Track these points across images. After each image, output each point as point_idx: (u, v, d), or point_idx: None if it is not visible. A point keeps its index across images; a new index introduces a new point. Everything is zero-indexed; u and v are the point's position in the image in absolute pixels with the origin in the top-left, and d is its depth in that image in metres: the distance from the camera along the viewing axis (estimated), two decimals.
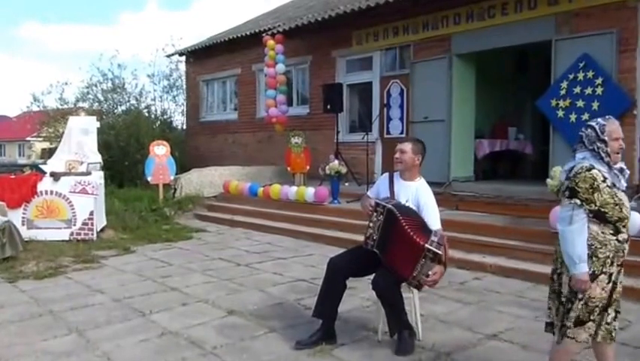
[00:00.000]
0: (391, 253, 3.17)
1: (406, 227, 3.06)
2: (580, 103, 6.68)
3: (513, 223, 5.96)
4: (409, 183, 3.37)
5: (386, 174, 3.52)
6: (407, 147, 3.36)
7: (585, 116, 6.61)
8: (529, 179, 8.35)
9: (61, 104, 13.56)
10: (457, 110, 8.22)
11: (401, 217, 3.08)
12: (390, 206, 3.15)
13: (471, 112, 8.45)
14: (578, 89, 6.69)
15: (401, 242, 3.09)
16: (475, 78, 8.44)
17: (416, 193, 3.32)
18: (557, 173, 5.35)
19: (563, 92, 6.85)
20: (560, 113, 6.89)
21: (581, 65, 6.66)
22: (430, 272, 3.07)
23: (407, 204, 3.27)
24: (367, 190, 3.79)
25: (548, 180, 5.43)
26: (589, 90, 6.59)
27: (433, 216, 3.26)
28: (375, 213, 3.20)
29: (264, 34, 10.40)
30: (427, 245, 3.01)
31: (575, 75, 6.72)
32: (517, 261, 5.19)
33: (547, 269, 4.81)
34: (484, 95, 8.72)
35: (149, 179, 9.38)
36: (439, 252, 3.03)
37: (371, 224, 3.22)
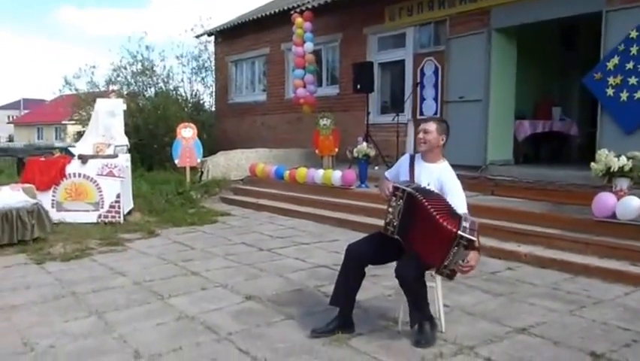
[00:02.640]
0: (416, 240, 2.98)
1: (432, 211, 2.86)
2: (633, 80, 6.15)
3: (553, 210, 5.61)
4: (432, 165, 3.19)
5: (407, 155, 3.35)
6: (431, 126, 3.17)
7: (638, 95, 6.11)
8: (574, 163, 7.85)
9: (91, 88, 13.81)
10: (496, 89, 7.79)
11: (425, 201, 2.89)
12: (410, 190, 2.95)
13: (511, 91, 7.99)
14: (630, 65, 6.16)
15: (427, 228, 2.90)
16: (517, 55, 7.95)
17: (439, 176, 3.13)
18: (603, 156, 4.95)
19: (613, 68, 6.33)
20: (610, 91, 6.38)
21: (636, 37, 6.11)
22: (463, 259, 2.87)
23: (429, 188, 3.07)
24: (386, 171, 3.58)
25: (593, 164, 5.04)
26: None
27: (458, 200, 3.05)
28: (394, 198, 3.01)
29: (292, 12, 10.15)
30: (459, 232, 2.79)
31: (628, 49, 6.18)
32: (555, 250, 4.86)
33: (587, 260, 4.57)
34: (526, 72, 8.23)
35: (176, 162, 9.43)
36: (473, 238, 2.81)
37: (390, 209, 3.03)
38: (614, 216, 4.78)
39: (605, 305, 3.74)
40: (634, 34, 6.14)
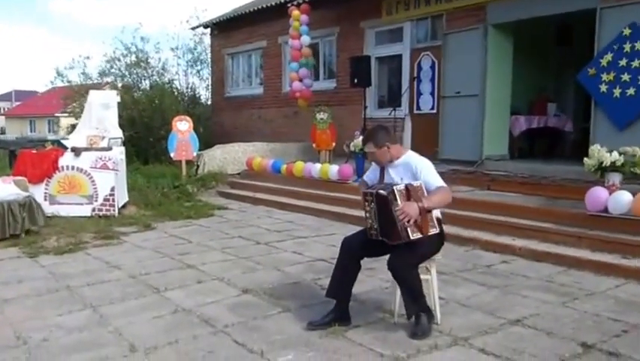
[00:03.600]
0: (392, 231, 3.02)
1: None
2: (625, 77, 6.20)
3: (547, 205, 5.65)
4: (398, 161, 3.26)
5: None
6: (370, 148, 3.27)
7: (631, 91, 6.16)
8: (568, 158, 7.91)
9: (84, 80, 13.68)
10: (492, 85, 7.81)
11: (382, 193, 2.98)
12: (377, 191, 3.03)
13: (507, 86, 8.01)
14: (623, 62, 6.20)
15: (389, 214, 2.97)
16: (513, 50, 7.98)
17: (406, 166, 3.21)
18: (596, 152, 4.99)
19: (606, 64, 6.36)
20: (603, 87, 6.41)
21: (628, 35, 6.14)
22: (397, 209, 2.92)
23: (403, 181, 3.12)
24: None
25: (586, 160, 5.09)
26: (636, 63, 6.12)
27: (431, 176, 3.13)
28: (366, 203, 3.10)
29: (289, 5, 10.11)
30: (384, 192, 2.96)
31: (621, 46, 6.22)
32: (549, 244, 4.91)
33: (580, 253, 4.62)
34: (522, 68, 8.25)
35: (171, 155, 9.39)
36: (382, 193, 2.95)
37: (367, 215, 3.12)
38: (606, 210, 4.83)
39: (596, 297, 3.79)
40: (627, 31, 6.17)
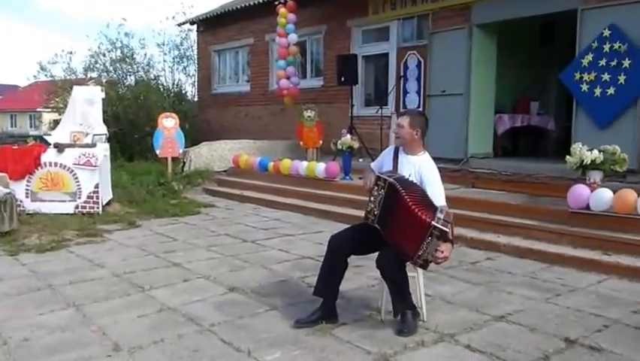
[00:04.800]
0: (394, 230, 3.01)
1: (410, 202, 2.90)
2: (605, 77, 6.30)
3: (530, 202, 5.73)
4: (413, 157, 3.24)
5: (392, 147, 3.40)
6: (404, 121, 3.22)
7: (611, 91, 6.26)
8: (551, 156, 8.03)
9: (68, 75, 13.45)
10: (477, 84, 7.88)
11: (404, 192, 2.93)
12: (391, 180, 2.99)
13: (491, 86, 8.09)
14: (603, 62, 6.31)
15: (404, 218, 2.94)
16: (497, 50, 8.06)
17: (419, 168, 3.19)
18: (577, 150, 5.08)
19: (587, 64, 6.46)
20: (584, 87, 6.52)
21: (608, 36, 6.25)
22: (437, 250, 2.90)
23: (410, 179, 3.12)
24: (371, 162, 3.64)
25: (568, 158, 5.17)
26: (615, 63, 6.20)
27: (437, 192, 3.11)
28: (376, 187, 3.05)
29: (276, 2, 10.07)
30: (433, 223, 2.84)
31: (601, 46, 6.32)
32: (533, 241, 4.98)
33: (563, 250, 4.69)
34: (506, 68, 8.34)
35: (157, 152, 9.30)
36: (447, 230, 2.86)
37: (372, 198, 3.07)
38: (587, 207, 4.91)
39: (579, 293, 3.86)
40: (606, 32, 6.27)
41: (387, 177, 3.03)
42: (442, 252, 2.92)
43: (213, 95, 13.72)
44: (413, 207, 2.89)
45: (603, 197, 4.79)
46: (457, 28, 7.97)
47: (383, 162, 3.36)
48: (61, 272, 4.34)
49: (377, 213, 3.04)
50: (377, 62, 9.79)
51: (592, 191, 4.92)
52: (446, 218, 2.89)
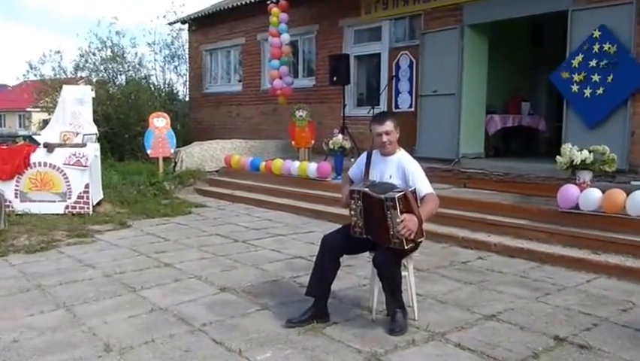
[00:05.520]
0: (378, 230, 3.03)
1: (375, 196, 2.95)
2: (595, 77, 6.36)
3: (521, 202, 5.77)
4: (390, 157, 3.26)
5: (364, 153, 3.42)
6: (389, 126, 3.23)
7: (600, 91, 6.32)
8: (542, 156, 8.08)
9: (58, 74, 13.33)
10: (468, 84, 7.92)
11: (375, 194, 2.97)
12: (364, 189, 3.03)
13: (482, 86, 8.13)
14: (593, 63, 6.36)
15: (377, 213, 2.97)
16: (488, 51, 8.09)
17: (399, 165, 3.22)
18: (567, 150, 5.12)
19: (577, 65, 6.52)
20: (574, 87, 6.57)
21: (598, 37, 6.31)
22: (398, 220, 2.88)
23: (391, 179, 3.15)
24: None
25: (558, 158, 5.21)
26: (605, 64, 6.26)
27: (421, 182, 3.15)
28: (352, 201, 3.09)
29: (268, 2, 10.06)
30: (382, 196, 2.90)
31: (591, 48, 6.38)
32: (523, 240, 5.02)
33: (553, 249, 4.73)
34: (497, 68, 8.38)
35: (148, 152, 9.25)
36: (394, 195, 2.87)
37: (352, 212, 3.11)
38: (577, 207, 4.95)
39: (568, 292, 3.89)
40: (597, 33, 6.33)
41: (359, 188, 3.07)
42: (402, 221, 2.86)
43: (205, 94, 13.67)
44: (375, 196, 2.95)
45: (592, 197, 4.84)
46: (448, 28, 8.01)
47: (360, 169, 3.39)
48: (51, 273, 4.30)
49: (362, 225, 3.09)
50: (369, 62, 9.82)
51: (581, 191, 4.96)
52: (399, 192, 2.91)
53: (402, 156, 3.27)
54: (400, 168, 3.20)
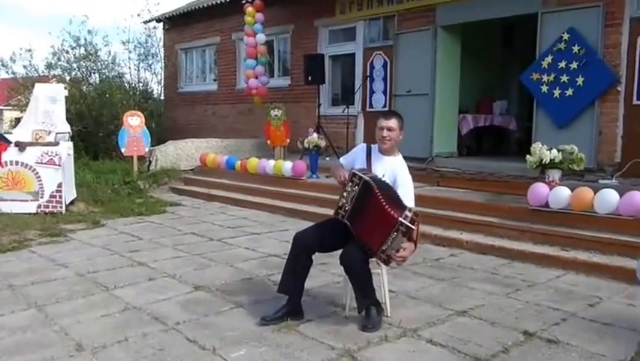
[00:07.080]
0: (362, 226, 3.06)
1: (382, 200, 2.95)
2: (564, 78, 6.55)
3: (492, 200, 5.89)
4: (388, 157, 3.30)
5: (364, 145, 3.43)
6: (395, 123, 3.26)
7: (569, 92, 6.50)
8: (512, 155, 8.28)
9: (30, 71, 13.00)
10: (441, 84, 8.04)
11: (378, 191, 2.98)
12: (367, 178, 3.03)
13: (455, 86, 8.27)
14: (562, 64, 6.55)
15: (374, 215, 2.99)
16: (460, 51, 8.23)
17: (393, 168, 3.25)
18: (537, 149, 5.25)
19: (547, 66, 6.70)
20: (544, 88, 6.75)
21: (567, 39, 6.50)
22: (400, 247, 2.97)
23: (384, 178, 3.18)
24: (341, 157, 3.67)
25: (528, 157, 5.34)
26: (574, 65, 6.45)
27: (408, 194, 3.19)
28: (350, 183, 3.08)
29: (244, 1, 10.01)
30: (400, 218, 2.91)
31: (560, 49, 6.57)
32: (494, 238, 5.13)
33: (523, 246, 4.85)
34: (469, 69, 8.54)
35: (122, 151, 9.12)
36: (412, 227, 2.93)
37: (345, 194, 3.10)
38: (547, 205, 5.08)
39: (538, 288, 3.99)
40: (566, 36, 6.51)
41: (362, 175, 3.06)
42: (404, 249, 2.99)
43: (180, 93, 13.53)
44: (385, 204, 2.94)
45: (561, 195, 4.96)
46: (422, 29, 8.12)
47: (355, 159, 3.38)
48: (22, 272, 4.22)
49: (348, 209, 3.08)
50: (344, 61, 9.88)
51: (551, 189, 5.09)
52: (414, 217, 2.95)
53: (399, 161, 3.31)
54: (393, 172, 3.23)
